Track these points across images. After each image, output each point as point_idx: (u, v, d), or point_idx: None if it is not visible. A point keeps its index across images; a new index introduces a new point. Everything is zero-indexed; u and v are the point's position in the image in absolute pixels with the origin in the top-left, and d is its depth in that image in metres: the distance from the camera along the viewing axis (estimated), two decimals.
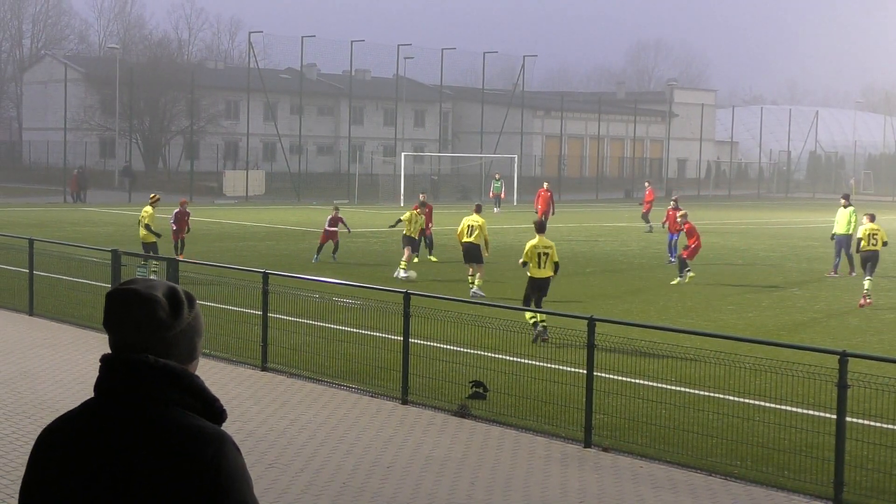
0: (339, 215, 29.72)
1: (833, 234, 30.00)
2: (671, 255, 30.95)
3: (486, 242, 23.76)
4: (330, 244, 29.49)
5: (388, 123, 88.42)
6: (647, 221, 43.53)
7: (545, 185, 41.40)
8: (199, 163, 74.22)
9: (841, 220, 29.54)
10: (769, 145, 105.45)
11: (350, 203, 64.89)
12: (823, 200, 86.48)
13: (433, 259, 30.28)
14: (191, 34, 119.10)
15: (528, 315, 17.16)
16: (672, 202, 32.21)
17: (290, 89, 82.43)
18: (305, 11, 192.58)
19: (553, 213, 40.50)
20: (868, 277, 24.21)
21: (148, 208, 25.53)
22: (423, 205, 29.36)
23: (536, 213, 40.87)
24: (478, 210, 24.97)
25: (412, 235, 27.08)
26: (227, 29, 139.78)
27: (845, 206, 29.55)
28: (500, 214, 54.02)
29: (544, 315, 16.87)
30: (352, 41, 75.48)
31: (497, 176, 60.51)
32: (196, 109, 74.51)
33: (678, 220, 28.22)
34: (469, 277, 23.55)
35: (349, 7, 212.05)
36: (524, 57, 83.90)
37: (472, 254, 23.47)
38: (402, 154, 69.98)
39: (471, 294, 22.46)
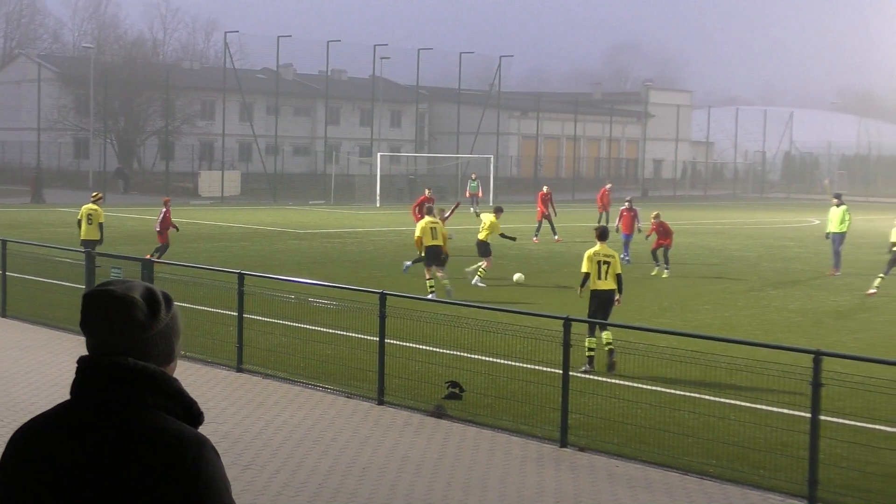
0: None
1: (827, 233, 30.41)
2: (626, 254, 31.30)
3: (444, 240, 23.38)
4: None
5: (365, 124, 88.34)
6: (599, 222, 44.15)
7: (545, 188, 41.43)
8: (174, 163, 73.88)
9: (834, 219, 29.96)
10: (744, 146, 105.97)
11: (326, 203, 64.82)
12: (798, 200, 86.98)
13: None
14: (166, 34, 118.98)
15: (588, 341, 14.95)
16: (626, 203, 32.56)
17: (266, 89, 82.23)
18: (281, 11, 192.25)
19: (556, 214, 40.40)
20: (883, 275, 25.80)
21: (95, 206, 25.90)
22: (429, 200, 32.44)
23: (541, 216, 40.24)
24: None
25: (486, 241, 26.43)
26: (203, 29, 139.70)
27: (838, 205, 29.97)
28: (476, 214, 54.20)
29: (610, 336, 15.14)
30: (328, 41, 75.41)
31: (473, 176, 60.55)
32: (171, 110, 74.23)
33: (652, 220, 28.53)
34: (429, 282, 23.15)
35: (325, 7, 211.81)
36: (500, 58, 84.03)
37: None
38: (379, 154, 69.93)
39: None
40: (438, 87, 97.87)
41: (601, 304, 15.85)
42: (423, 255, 23.56)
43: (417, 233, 23.49)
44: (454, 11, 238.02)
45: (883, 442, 11.40)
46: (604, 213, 44.07)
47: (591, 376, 14.58)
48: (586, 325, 14.97)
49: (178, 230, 28.91)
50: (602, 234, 16.53)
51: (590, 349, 15.01)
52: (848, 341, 18.77)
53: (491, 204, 63.39)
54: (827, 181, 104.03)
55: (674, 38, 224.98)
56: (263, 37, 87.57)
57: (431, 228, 23.31)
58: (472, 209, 56.13)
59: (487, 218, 27.00)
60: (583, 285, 16.12)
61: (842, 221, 29.71)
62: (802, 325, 20.70)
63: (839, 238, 29.79)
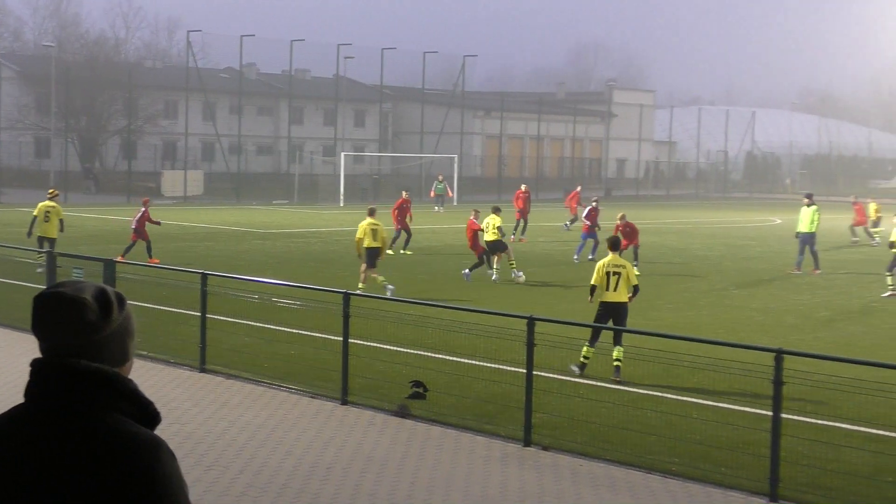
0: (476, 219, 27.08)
1: (797, 233, 30.58)
2: (578, 253, 31.32)
3: (384, 242, 23.47)
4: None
5: (329, 123, 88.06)
6: (569, 221, 44.89)
7: (523, 186, 41.50)
8: (136, 163, 73.33)
9: (804, 219, 30.15)
10: (707, 145, 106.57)
11: (290, 203, 64.61)
12: (760, 200, 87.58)
13: (409, 252, 32.22)
14: (128, 32, 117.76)
15: (585, 349, 14.64)
16: (593, 202, 32.82)
17: (229, 89, 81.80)
18: (244, 11, 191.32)
19: (529, 212, 40.40)
20: (889, 274, 25.67)
21: (53, 202, 26.13)
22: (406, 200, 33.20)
23: (519, 214, 39.90)
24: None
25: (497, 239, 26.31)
26: (166, 27, 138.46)
27: (808, 205, 30.15)
28: (440, 213, 54.53)
29: (620, 353, 14.40)
30: (292, 41, 75.15)
31: (440, 177, 60.57)
32: (134, 109, 73.71)
33: (617, 222, 28.66)
34: (380, 278, 22.99)
35: (289, 6, 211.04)
36: (464, 57, 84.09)
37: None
38: (342, 154, 69.78)
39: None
40: (402, 86, 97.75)
41: (609, 315, 15.08)
42: (360, 255, 23.31)
43: (358, 234, 23.26)
44: (418, 11, 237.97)
45: (843, 439, 11.50)
46: (574, 215, 44.35)
47: (555, 375, 14.60)
48: (553, 324, 14.95)
49: (159, 224, 30.43)
50: (613, 245, 15.80)
51: (585, 357, 14.70)
52: (809, 339, 18.92)
53: (455, 204, 63.51)
54: (789, 181, 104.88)
55: (637, 38, 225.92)
56: (226, 36, 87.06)
57: (372, 230, 23.14)
58: (436, 209, 56.33)
59: (492, 220, 26.25)
60: (591, 295, 15.55)
61: (811, 221, 29.86)
62: (765, 324, 20.84)
63: (809, 238, 29.86)
